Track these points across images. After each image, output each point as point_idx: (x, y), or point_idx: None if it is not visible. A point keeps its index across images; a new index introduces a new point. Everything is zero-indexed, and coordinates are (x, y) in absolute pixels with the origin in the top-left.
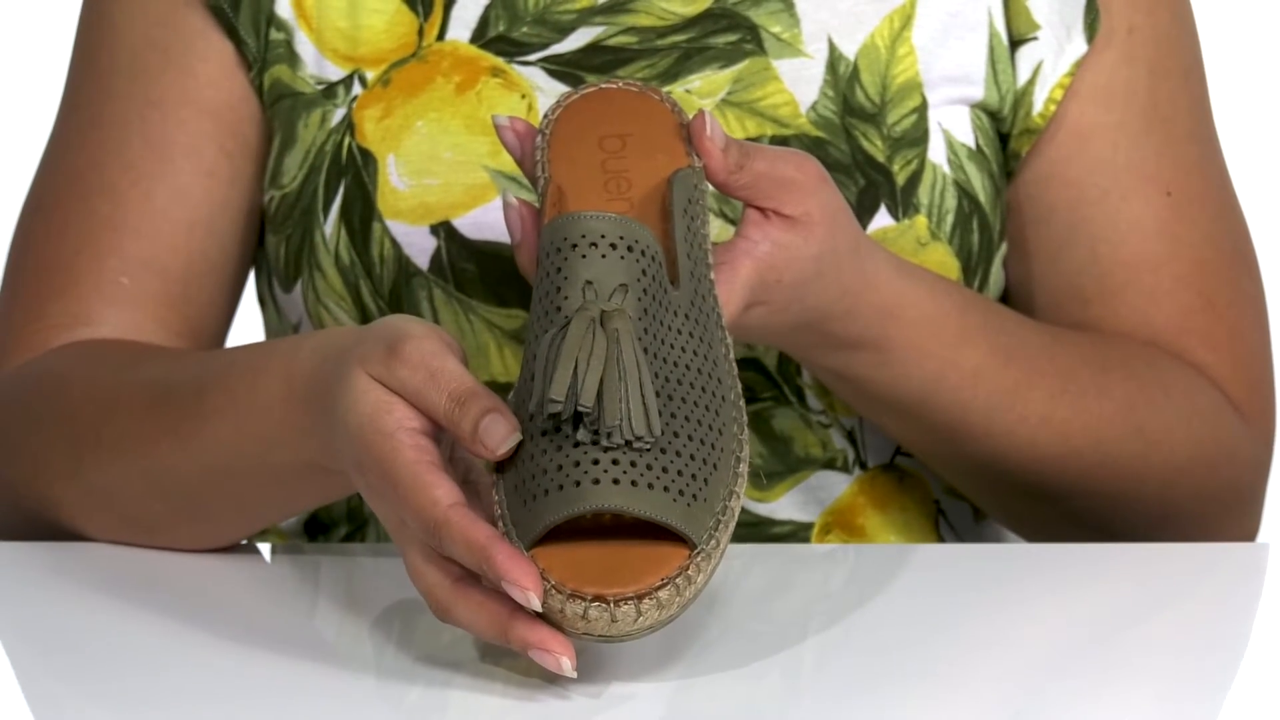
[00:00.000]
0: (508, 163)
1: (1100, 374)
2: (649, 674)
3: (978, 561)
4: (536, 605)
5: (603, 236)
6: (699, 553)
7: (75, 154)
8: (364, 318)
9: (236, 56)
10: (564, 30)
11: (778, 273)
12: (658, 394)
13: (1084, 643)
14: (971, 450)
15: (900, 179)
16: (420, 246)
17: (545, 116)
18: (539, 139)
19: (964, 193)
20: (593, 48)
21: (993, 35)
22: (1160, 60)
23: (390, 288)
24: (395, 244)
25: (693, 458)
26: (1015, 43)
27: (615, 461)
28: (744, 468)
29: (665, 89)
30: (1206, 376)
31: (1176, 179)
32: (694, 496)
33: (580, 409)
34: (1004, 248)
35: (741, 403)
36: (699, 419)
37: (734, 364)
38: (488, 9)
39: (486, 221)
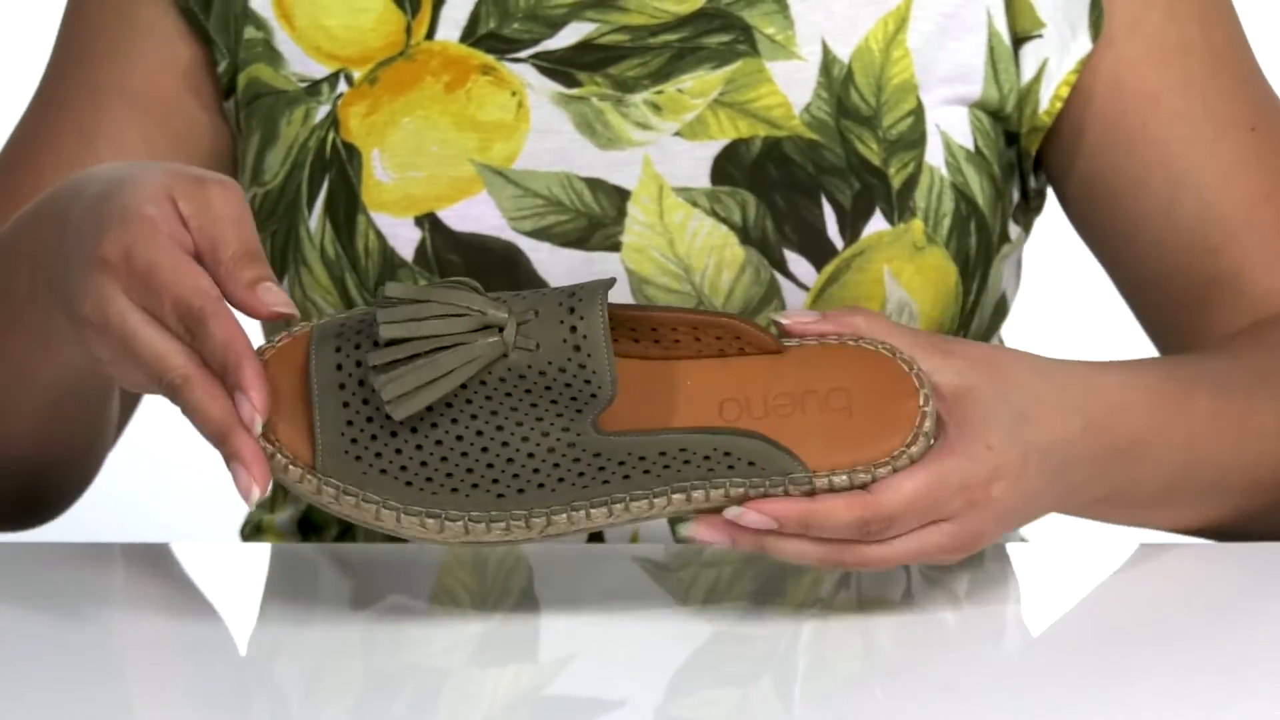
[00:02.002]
0: (495, 157)
1: (1269, 379)
2: (641, 677)
3: (975, 563)
4: (257, 429)
5: (602, 316)
6: (314, 472)
7: (24, 129)
8: None
9: (191, 53)
10: (555, 25)
11: (974, 432)
12: (454, 416)
13: (1077, 646)
14: (1227, 497)
15: (896, 182)
16: (405, 238)
17: (861, 338)
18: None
19: (962, 195)
20: (584, 45)
21: (992, 35)
22: (1205, 12)
23: (376, 280)
24: (380, 236)
25: (410, 459)
26: (1019, 40)
27: (361, 383)
28: (437, 527)
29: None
30: None
31: (1256, 114)
32: (371, 463)
33: (381, 340)
34: (1004, 249)
35: (511, 527)
36: (458, 463)
37: (553, 524)
38: (478, 5)
39: (472, 214)
